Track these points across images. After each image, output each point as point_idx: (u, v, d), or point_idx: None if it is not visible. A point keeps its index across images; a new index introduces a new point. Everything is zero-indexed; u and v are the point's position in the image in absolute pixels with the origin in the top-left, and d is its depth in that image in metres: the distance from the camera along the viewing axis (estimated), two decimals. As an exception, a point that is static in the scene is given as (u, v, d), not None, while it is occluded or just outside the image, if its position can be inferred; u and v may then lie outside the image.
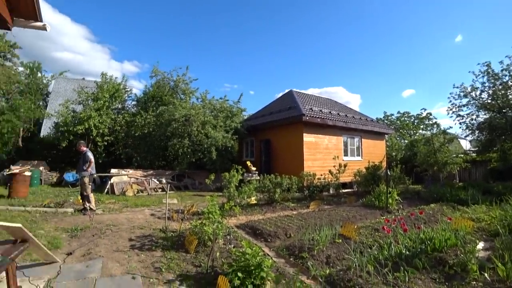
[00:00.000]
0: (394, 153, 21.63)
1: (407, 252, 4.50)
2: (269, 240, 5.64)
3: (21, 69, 21.72)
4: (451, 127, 52.76)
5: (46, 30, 4.81)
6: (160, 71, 19.52)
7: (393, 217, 7.02)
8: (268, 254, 4.90)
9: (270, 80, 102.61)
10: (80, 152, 8.29)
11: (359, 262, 3.94)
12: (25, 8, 4.25)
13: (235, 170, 8.70)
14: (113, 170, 13.48)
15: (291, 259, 4.67)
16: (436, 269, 4.08)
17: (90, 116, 15.77)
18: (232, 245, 5.07)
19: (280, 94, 23.16)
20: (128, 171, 13.85)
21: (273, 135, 15.52)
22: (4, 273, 2.82)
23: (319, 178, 11.92)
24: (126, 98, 19.91)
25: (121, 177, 12.96)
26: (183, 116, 14.93)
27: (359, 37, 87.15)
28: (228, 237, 5.44)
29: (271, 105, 18.88)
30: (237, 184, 8.51)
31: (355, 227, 5.63)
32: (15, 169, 11.92)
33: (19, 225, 3.19)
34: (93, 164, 8.12)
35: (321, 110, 15.18)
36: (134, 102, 20.75)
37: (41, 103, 22.40)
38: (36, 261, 4.24)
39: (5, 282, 2.86)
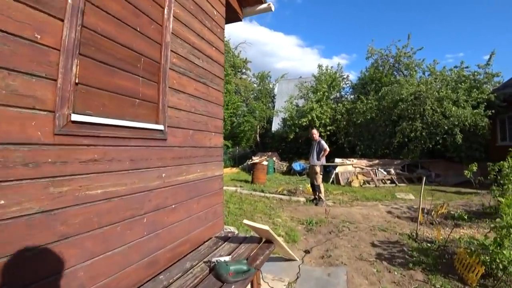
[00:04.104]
0: None
1: None
2: None
3: (253, 79, 26.18)
4: None
5: (271, 10, 4.48)
6: (376, 49, 17.51)
7: None
8: None
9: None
10: (312, 140, 7.86)
11: None
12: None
13: None
14: (337, 160, 13.07)
15: None
16: None
17: (312, 108, 16.39)
18: None
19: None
20: (352, 161, 13.08)
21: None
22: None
23: None
24: (343, 86, 19.68)
25: (345, 167, 12.37)
26: (412, 94, 12.51)
27: None
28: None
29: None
30: None
31: None
32: (255, 159, 14.10)
33: (267, 227, 2.75)
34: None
35: None
36: (351, 90, 20.12)
37: (270, 104, 26.14)
38: (275, 254, 3.89)
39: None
